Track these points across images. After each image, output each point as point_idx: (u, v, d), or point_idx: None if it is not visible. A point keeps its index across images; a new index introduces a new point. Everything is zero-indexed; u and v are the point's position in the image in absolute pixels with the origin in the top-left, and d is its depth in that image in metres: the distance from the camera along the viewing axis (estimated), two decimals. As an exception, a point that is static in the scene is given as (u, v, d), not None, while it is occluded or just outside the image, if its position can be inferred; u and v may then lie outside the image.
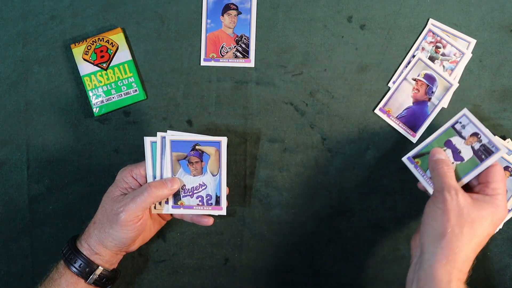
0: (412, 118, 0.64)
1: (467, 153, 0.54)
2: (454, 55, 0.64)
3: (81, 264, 0.54)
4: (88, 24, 0.66)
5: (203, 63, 0.65)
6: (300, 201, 0.65)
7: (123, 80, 0.64)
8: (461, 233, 0.48)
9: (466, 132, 0.55)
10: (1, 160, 0.65)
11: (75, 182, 0.65)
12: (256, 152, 0.65)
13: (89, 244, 0.54)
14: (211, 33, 0.66)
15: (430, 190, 0.55)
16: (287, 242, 0.65)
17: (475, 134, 0.54)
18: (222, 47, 0.65)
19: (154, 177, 0.57)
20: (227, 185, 0.58)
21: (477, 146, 0.54)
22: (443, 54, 0.65)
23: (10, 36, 0.66)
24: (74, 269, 0.53)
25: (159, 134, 0.57)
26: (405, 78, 0.64)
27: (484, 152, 0.53)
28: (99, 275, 0.54)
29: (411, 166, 0.58)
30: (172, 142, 0.56)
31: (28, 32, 0.66)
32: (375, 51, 0.65)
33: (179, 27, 0.66)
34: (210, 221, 0.59)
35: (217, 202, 0.57)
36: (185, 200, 0.57)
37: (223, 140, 0.57)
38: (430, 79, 0.64)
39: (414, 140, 0.64)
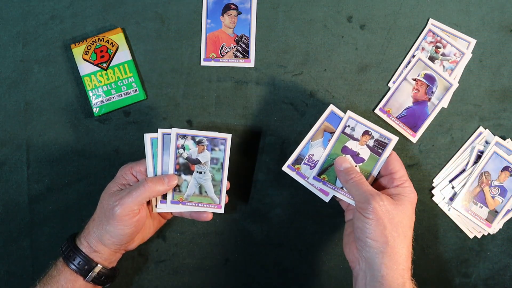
0: (412, 118, 0.64)
1: (365, 152, 0.56)
2: (454, 55, 0.64)
3: (80, 261, 0.54)
4: (88, 24, 0.66)
5: (203, 63, 0.65)
6: (300, 201, 0.65)
7: (123, 80, 0.64)
8: (398, 234, 0.49)
9: (357, 133, 0.56)
10: (1, 160, 0.65)
11: (75, 182, 0.65)
12: (256, 152, 0.65)
13: (88, 242, 0.54)
14: (211, 33, 0.66)
15: (352, 202, 0.55)
16: (287, 242, 0.65)
17: (366, 133, 0.56)
18: (222, 47, 0.65)
19: (155, 174, 0.57)
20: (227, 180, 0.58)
21: (371, 143, 0.56)
22: (443, 54, 0.65)
23: (10, 36, 0.66)
24: (73, 266, 0.53)
25: (160, 130, 0.57)
26: (405, 78, 0.64)
27: (379, 146, 0.56)
28: (97, 273, 0.55)
29: (319, 185, 0.57)
30: (332, 112, 0.57)
31: (28, 32, 0.66)
32: (375, 51, 0.65)
33: (179, 27, 0.66)
34: (209, 216, 0.58)
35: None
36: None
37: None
38: (430, 79, 0.64)
39: (414, 140, 0.64)
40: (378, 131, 0.56)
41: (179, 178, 0.57)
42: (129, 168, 0.57)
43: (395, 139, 0.56)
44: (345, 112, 0.57)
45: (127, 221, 0.53)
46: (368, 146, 0.56)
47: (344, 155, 0.57)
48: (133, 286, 0.65)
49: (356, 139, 0.56)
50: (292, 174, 0.58)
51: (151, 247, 0.65)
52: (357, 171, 0.54)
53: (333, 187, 0.57)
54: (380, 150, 0.56)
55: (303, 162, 0.57)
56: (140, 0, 0.66)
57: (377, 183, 0.57)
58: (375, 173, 0.56)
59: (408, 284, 0.49)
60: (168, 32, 0.66)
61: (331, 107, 0.57)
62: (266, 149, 0.65)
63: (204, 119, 0.65)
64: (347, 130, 0.57)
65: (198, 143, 0.57)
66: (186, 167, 0.57)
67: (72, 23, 0.66)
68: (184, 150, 0.57)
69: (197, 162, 0.57)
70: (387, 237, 0.49)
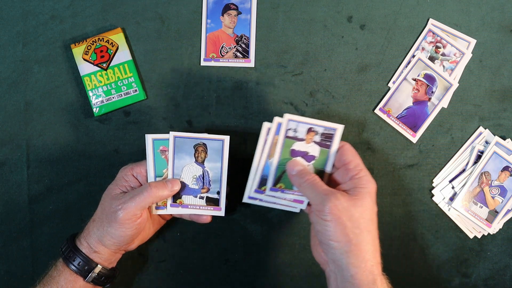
0: (412, 118, 0.64)
1: (314, 149, 0.55)
2: (454, 55, 0.64)
3: (80, 262, 0.54)
4: (88, 24, 0.66)
5: (203, 63, 0.65)
6: (300, 201, 0.65)
7: (123, 80, 0.64)
8: (360, 230, 0.47)
9: (301, 133, 0.55)
10: (1, 160, 0.65)
11: (75, 182, 0.65)
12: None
13: (88, 242, 0.54)
14: (211, 33, 0.66)
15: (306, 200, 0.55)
16: (287, 242, 0.65)
17: (310, 130, 0.55)
18: (222, 47, 0.65)
19: (155, 176, 0.57)
20: (227, 184, 0.58)
21: (317, 138, 0.55)
22: (443, 54, 0.65)
23: (10, 36, 0.66)
24: (73, 267, 0.53)
25: (172, 133, 0.56)
26: (405, 78, 0.64)
27: (326, 139, 0.54)
28: (97, 274, 0.55)
29: (276, 194, 0.55)
30: (279, 124, 0.54)
31: (28, 32, 0.66)
32: (375, 51, 0.65)
33: (179, 27, 0.66)
34: (209, 218, 0.58)
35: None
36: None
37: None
38: (430, 79, 0.64)
39: (414, 140, 0.64)
40: (321, 125, 0.54)
41: (182, 182, 0.57)
42: (129, 169, 0.57)
43: (340, 127, 0.54)
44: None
45: (129, 224, 0.53)
46: (315, 142, 0.55)
47: (293, 158, 0.55)
48: (133, 286, 0.65)
49: (302, 139, 0.55)
50: (261, 196, 0.56)
51: (151, 247, 0.65)
52: (310, 172, 0.53)
53: (292, 193, 0.55)
54: (328, 143, 0.54)
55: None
56: (140, 0, 0.66)
57: (333, 179, 0.55)
58: (328, 167, 0.55)
59: (379, 280, 0.47)
60: (168, 32, 0.66)
61: (276, 119, 0.54)
62: (266, 149, 0.65)
63: (204, 119, 0.65)
64: (290, 133, 0.54)
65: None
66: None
67: (72, 23, 0.66)
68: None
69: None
70: (349, 236, 0.47)
